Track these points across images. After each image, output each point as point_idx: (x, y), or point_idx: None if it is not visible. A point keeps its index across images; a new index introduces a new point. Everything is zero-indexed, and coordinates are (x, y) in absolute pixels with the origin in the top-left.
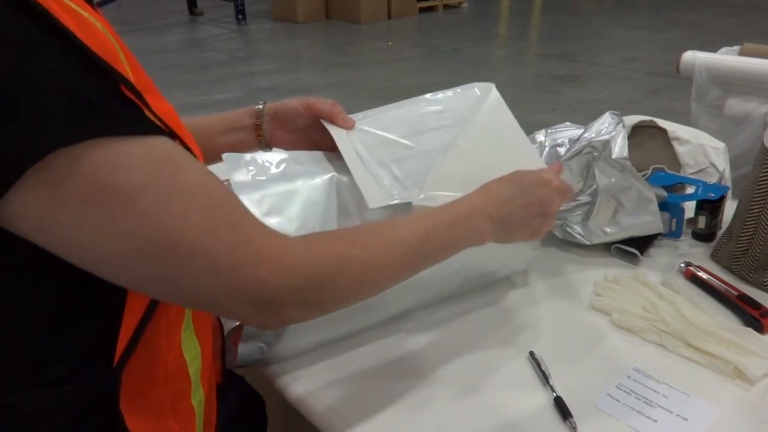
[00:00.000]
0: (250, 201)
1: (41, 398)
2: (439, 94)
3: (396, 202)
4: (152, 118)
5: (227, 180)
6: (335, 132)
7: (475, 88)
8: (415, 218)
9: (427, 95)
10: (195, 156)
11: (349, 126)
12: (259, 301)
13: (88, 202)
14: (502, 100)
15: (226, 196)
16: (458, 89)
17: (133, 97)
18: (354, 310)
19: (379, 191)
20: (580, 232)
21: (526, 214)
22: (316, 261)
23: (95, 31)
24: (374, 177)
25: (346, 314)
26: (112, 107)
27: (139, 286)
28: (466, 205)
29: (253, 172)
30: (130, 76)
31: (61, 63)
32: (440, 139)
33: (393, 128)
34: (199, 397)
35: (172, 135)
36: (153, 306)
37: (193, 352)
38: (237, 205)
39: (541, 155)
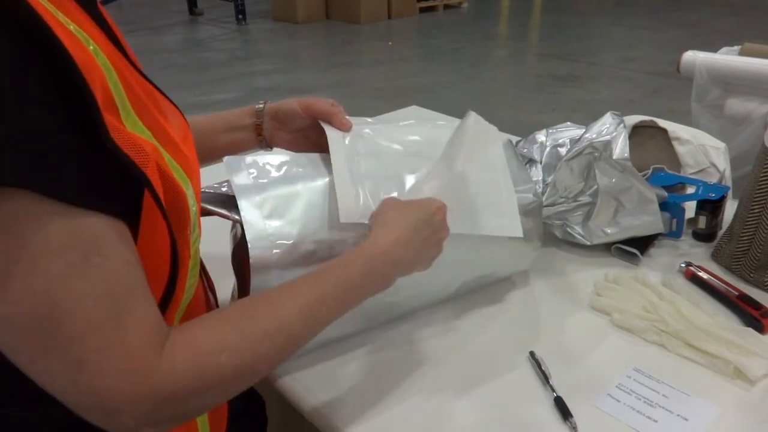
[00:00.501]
0: (251, 204)
1: (34, 414)
2: (447, 131)
3: (366, 221)
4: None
5: (227, 181)
6: (330, 133)
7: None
8: (304, 286)
9: (440, 123)
10: (132, 247)
11: (345, 128)
12: (111, 412)
13: None
14: (483, 121)
15: (132, 292)
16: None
17: (110, 144)
18: (356, 313)
19: (354, 206)
20: (581, 232)
21: (426, 248)
22: (180, 381)
23: (83, 52)
24: (355, 189)
25: (347, 317)
26: (62, 167)
27: (2, 350)
28: (370, 256)
29: (254, 175)
30: (116, 99)
31: (39, 104)
32: (421, 169)
33: (390, 144)
34: None
35: (142, 174)
36: None
37: None
38: (136, 305)
39: (542, 155)
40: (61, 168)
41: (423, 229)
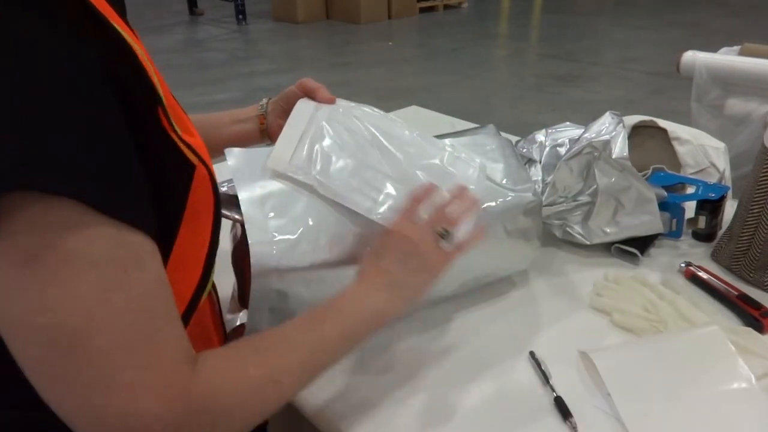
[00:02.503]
0: (253, 201)
1: (27, 417)
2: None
3: (296, 176)
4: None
5: (227, 181)
6: (303, 101)
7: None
8: (304, 324)
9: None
10: (162, 270)
11: (326, 100)
12: None
13: (34, 256)
14: None
15: (166, 309)
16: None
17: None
18: None
19: (286, 157)
20: (580, 232)
21: (416, 278)
22: (210, 393)
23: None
24: (296, 145)
25: None
26: (115, 182)
27: (23, 365)
28: (351, 291)
29: (256, 172)
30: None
31: (99, 105)
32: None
33: (363, 128)
34: None
35: (204, 164)
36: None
37: None
38: (170, 321)
39: (541, 155)
40: (113, 182)
41: (408, 261)
